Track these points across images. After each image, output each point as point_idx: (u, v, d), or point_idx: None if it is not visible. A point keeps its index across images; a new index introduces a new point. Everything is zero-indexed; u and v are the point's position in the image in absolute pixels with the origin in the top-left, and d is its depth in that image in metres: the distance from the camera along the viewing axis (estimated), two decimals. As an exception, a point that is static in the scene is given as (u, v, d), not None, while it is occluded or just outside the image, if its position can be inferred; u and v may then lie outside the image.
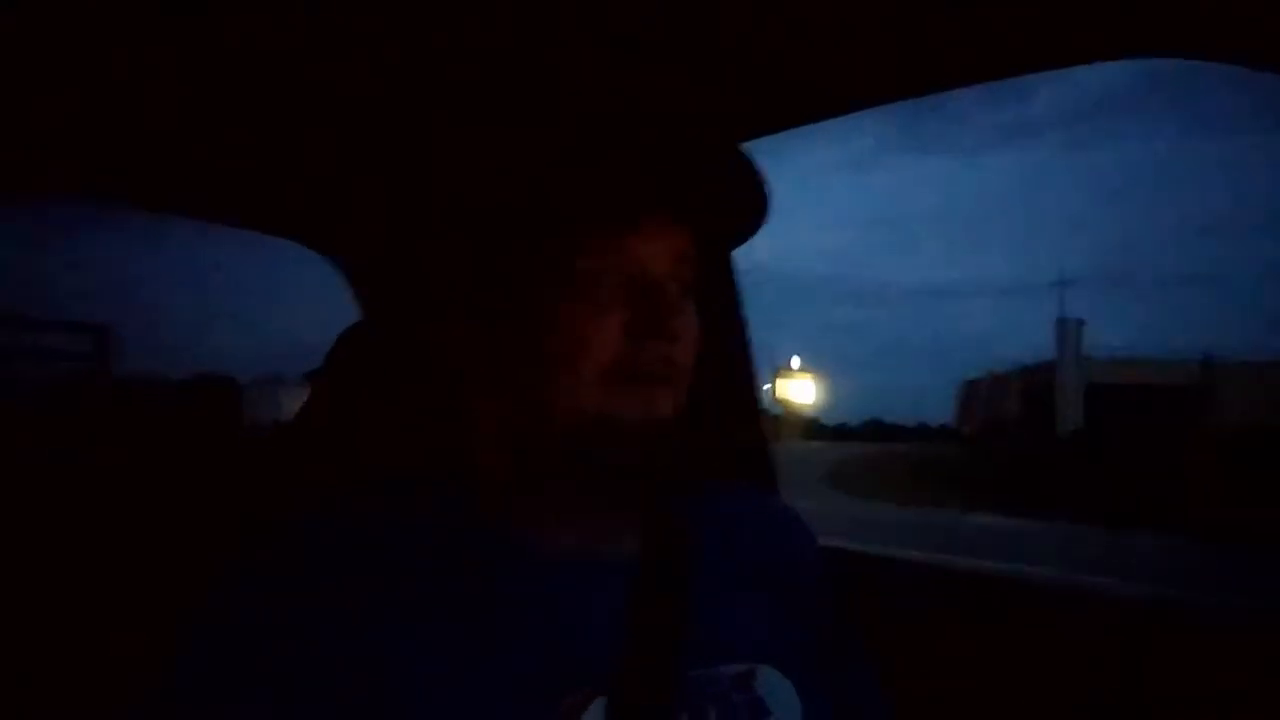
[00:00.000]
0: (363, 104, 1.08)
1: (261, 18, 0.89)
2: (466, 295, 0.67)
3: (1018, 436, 26.35)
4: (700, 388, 0.67)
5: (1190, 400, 23.93)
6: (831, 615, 0.77)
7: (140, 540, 1.03)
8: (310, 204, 1.51)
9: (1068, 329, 28.19)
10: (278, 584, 0.59)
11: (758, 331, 1.37)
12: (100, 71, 1.03)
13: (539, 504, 0.66)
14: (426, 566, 0.61)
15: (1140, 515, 12.52)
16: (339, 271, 1.71)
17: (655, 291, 0.62)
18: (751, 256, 1.32)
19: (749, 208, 0.70)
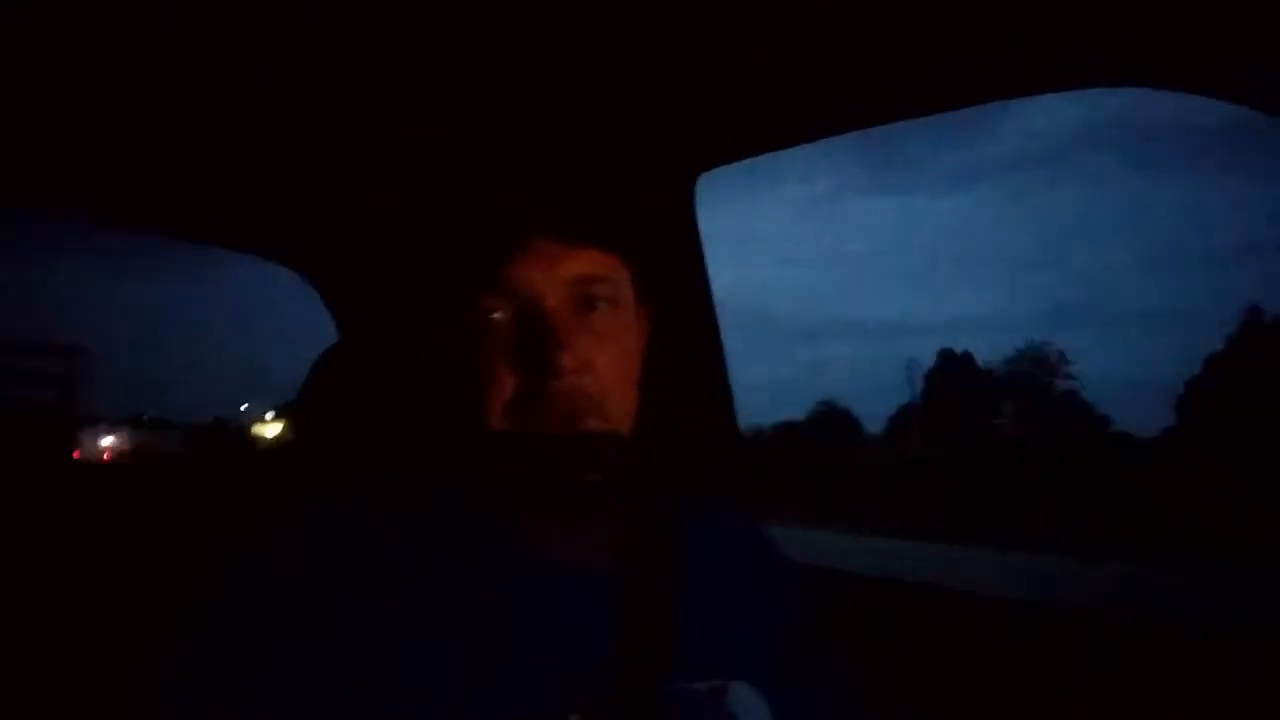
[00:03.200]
0: (345, 120, 1.09)
1: (234, 36, 0.89)
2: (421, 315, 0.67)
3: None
4: (661, 402, 0.67)
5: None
6: (808, 632, 0.77)
7: (137, 542, 1.02)
8: (281, 218, 1.51)
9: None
10: (273, 583, 0.59)
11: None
12: (74, 87, 1.02)
13: (524, 514, 0.66)
14: (415, 573, 0.61)
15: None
16: (312, 287, 1.70)
17: (540, 327, 0.61)
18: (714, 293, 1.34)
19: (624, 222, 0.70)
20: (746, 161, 1.17)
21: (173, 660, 0.56)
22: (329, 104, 1.05)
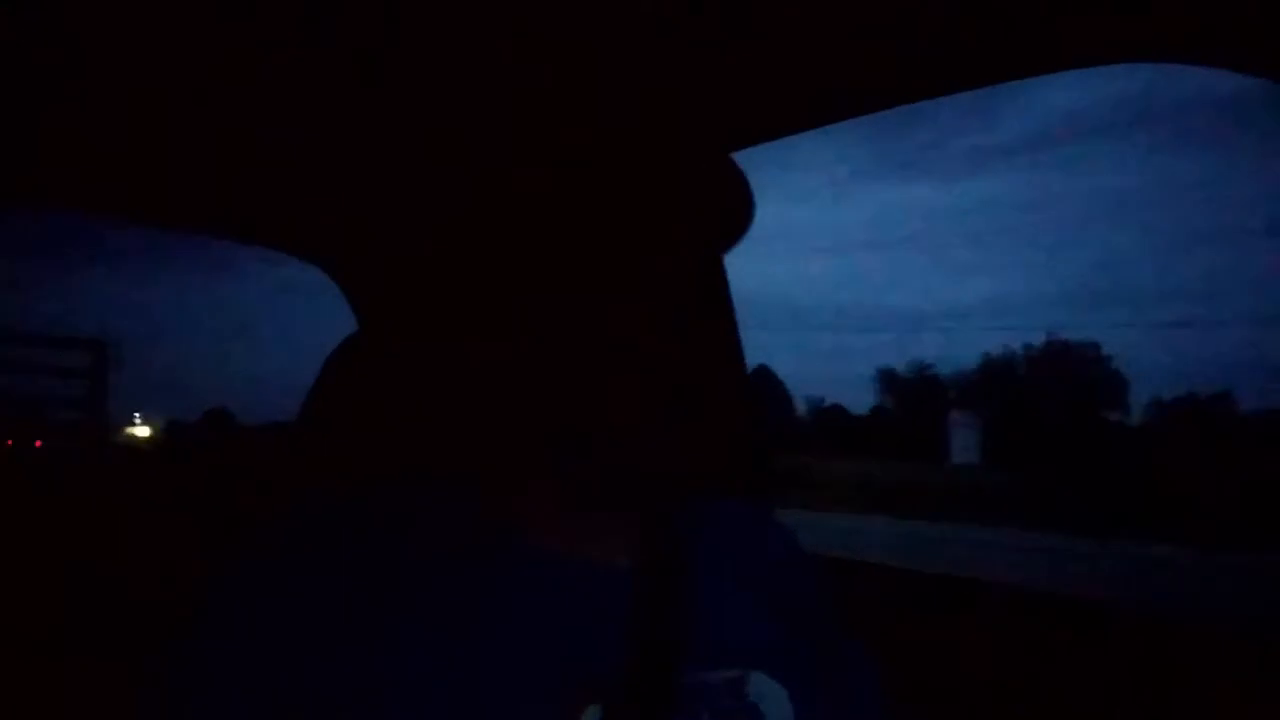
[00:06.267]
0: (362, 110, 1.09)
1: (253, 24, 0.90)
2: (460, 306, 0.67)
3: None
4: (692, 396, 0.67)
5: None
6: (827, 623, 0.77)
7: (139, 542, 1.03)
8: (307, 214, 1.52)
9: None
10: (278, 581, 0.59)
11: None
12: (94, 81, 1.03)
13: (538, 507, 0.66)
14: (426, 566, 0.61)
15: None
16: (336, 281, 1.71)
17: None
18: (733, 285, 1.34)
19: (735, 211, 0.70)
20: (759, 149, 1.17)
21: (173, 660, 0.57)
22: (348, 92, 1.05)
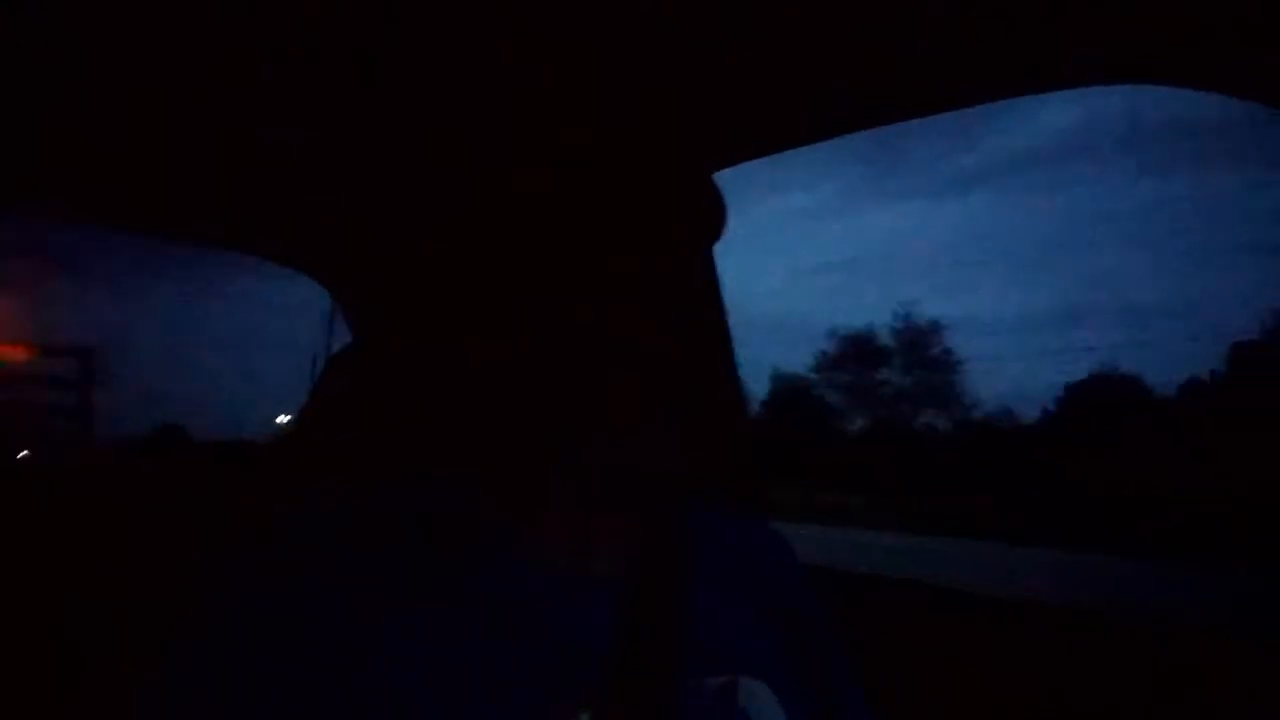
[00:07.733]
0: (362, 110, 1.09)
1: (246, 26, 0.90)
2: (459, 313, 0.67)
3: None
4: (692, 396, 0.67)
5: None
6: (817, 632, 0.77)
7: (139, 542, 1.02)
8: (306, 216, 1.51)
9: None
10: (278, 581, 0.58)
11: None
12: (91, 81, 1.03)
13: (538, 508, 0.66)
14: (425, 567, 0.61)
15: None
16: (328, 289, 1.71)
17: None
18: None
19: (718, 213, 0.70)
20: (750, 170, 1.18)
21: (170, 664, 0.56)
22: (348, 93, 1.05)
